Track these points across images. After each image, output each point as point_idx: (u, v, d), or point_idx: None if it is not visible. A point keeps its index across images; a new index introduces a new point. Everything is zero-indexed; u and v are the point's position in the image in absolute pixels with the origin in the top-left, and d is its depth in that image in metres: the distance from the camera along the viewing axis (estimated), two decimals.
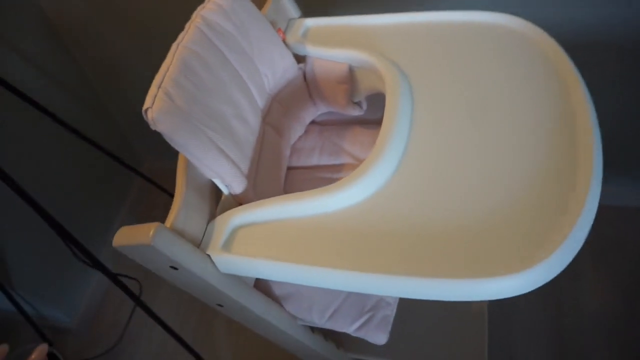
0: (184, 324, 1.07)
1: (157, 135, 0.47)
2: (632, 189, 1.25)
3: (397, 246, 0.44)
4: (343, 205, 0.48)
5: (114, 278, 0.87)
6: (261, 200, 0.50)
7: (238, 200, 0.56)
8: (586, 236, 0.40)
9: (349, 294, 0.59)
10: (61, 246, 1.12)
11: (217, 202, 0.56)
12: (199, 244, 0.50)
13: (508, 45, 0.57)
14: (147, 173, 1.26)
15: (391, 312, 0.58)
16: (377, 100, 0.73)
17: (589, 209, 0.41)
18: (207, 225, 0.52)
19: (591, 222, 0.40)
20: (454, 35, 0.60)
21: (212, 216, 0.53)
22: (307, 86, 0.70)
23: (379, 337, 0.57)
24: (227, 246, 0.49)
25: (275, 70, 0.65)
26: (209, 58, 0.54)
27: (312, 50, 0.67)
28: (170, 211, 0.49)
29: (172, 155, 0.52)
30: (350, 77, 0.66)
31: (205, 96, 0.52)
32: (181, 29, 0.55)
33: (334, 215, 0.48)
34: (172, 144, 0.49)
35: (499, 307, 1.12)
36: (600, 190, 0.43)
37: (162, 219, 0.48)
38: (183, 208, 0.49)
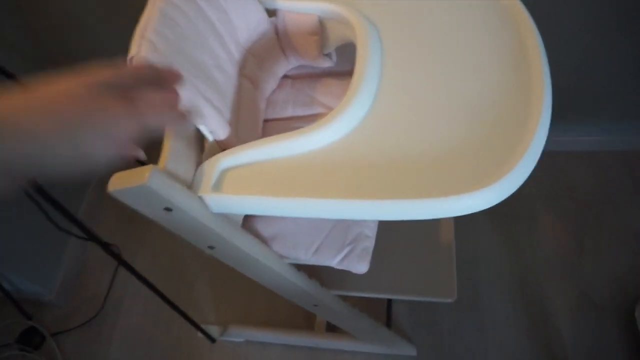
0: (164, 288, 1.09)
1: None
2: (581, 134, 1.36)
3: (374, 174, 0.48)
4: (322, 143, 0.52)
5: (97, 240, 0.88)
6: (246, 144, 0.53)
7: (222, 147, 0.58)
8: (540, 153, 0.45)
9: (331, 230, 0.64)
10: (30, 218, 1.11)
11: (202, 150, 0.58)
12: (190, 186, 0.53)
13: None
14: None
15: (370, 243, 0.63)
16: (346, 53, 0.77)
17: (542, 130, 0.46)
18: (195, 170, 0.54)
19: (544, 141, 0.46)
20: None
21: (199, 162, 0.56)
22: (279, 40, 0.73)
23: (361, 267, 0.62)
24: (217, 187, 0.52)
25: (248, 23, 0.67)
26: (187, 9, 0.56)
27: (282, 4, 0.69)
28: (161, 156, 0.51)
29: None
30: (320, 28, 0.69)
31: (186, 46, 0.54)
32: None
33: (315, 153, 0.52)
34: None
35: (465, 242, 1.21)
36: (549, 119, 0.48)
37: None
38: (172, 153, 0.52)
